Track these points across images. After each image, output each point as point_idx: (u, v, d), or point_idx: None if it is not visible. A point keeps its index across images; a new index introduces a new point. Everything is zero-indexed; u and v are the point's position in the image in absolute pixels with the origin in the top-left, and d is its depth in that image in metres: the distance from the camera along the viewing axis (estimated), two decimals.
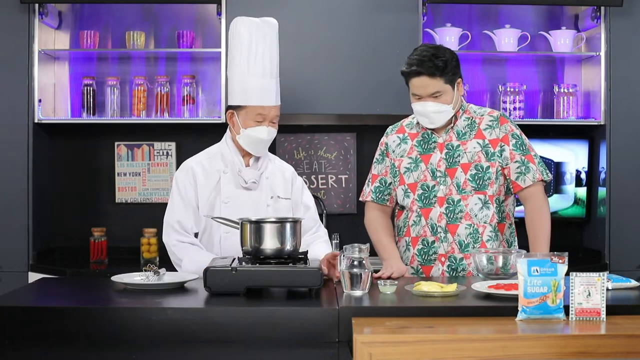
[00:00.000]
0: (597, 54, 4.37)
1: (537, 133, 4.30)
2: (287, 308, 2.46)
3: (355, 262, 2.61)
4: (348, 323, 2.33)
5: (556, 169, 4.52)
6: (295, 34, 4.13)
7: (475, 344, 2.20)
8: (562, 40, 4.46)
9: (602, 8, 4.32)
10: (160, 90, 4.44)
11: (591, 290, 2.34)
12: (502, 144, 3.15)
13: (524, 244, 3.16)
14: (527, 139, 3.20)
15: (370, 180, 3.32)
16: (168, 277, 2.80)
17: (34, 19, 4.25)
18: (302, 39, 4.19)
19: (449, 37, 4.37)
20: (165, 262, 3.32)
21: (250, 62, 3.13)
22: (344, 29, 4.23)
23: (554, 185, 4.52)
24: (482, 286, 2.61)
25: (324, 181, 4.62)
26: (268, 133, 3.14)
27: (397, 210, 3.30)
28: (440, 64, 3.06)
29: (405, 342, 2.20)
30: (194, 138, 4.48)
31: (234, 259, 2.79)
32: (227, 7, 4.21)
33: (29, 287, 3.03)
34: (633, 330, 2.26)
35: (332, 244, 3.87)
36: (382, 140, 3.32)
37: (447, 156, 3.16)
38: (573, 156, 4.54)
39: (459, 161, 3.15)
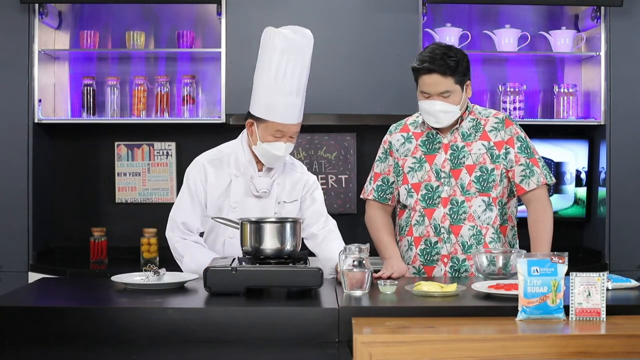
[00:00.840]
0: (597, 54, 4.37)
1: (537, 133, 4.28)
2: (287, 308, 2.46)
3: (355, 262, 2.62)
4: (348, 323, 2.33)
5: (556, 169, 4.52)
6: None
7: (476, 344, 2.20)
8: (562, 40, 4.45)
9: (602, 8, 4.32)
10: (160, 90, 4.44)
11: (591, 290, 2.34)
12: (507, 146, 3.15)
13: (525, 245, 3.16)
14: (531, 142, 3.20)
15: (372, 178, 3.31)
16: (168, 277, 2.80)
17: (34, 19, 4.25)
18: None
19: (448, 37, 4.36)
20: (165, 262, 3.32)
21: (279, 78, 3.03)
22: (344, 29, 4.22)
23: (554, 185, 4.52)
24: (482, 286, 2.61)
25: (324, 181, 4.62)
26: (285, 149, 3.09)
27: (398, 210, 3.30)
28: (452, 63, 3.05)
29: (406, 342, 2.20)
30: (194, 138, 4.48)
31: (234, 259, 2.79)
32: (227, 7, 4.21)
33: (29, 287, 3.03)
34: (633, 330, 2.26)
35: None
36: (385, 138, 3.31)
37: (452, 157, 3.15)
38: (573, 156, 4.54)
39: (464, 162, 3.14)
